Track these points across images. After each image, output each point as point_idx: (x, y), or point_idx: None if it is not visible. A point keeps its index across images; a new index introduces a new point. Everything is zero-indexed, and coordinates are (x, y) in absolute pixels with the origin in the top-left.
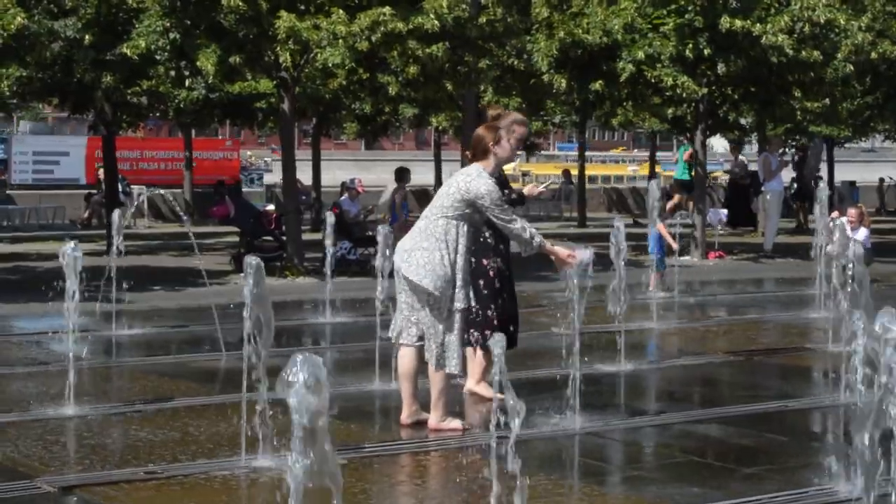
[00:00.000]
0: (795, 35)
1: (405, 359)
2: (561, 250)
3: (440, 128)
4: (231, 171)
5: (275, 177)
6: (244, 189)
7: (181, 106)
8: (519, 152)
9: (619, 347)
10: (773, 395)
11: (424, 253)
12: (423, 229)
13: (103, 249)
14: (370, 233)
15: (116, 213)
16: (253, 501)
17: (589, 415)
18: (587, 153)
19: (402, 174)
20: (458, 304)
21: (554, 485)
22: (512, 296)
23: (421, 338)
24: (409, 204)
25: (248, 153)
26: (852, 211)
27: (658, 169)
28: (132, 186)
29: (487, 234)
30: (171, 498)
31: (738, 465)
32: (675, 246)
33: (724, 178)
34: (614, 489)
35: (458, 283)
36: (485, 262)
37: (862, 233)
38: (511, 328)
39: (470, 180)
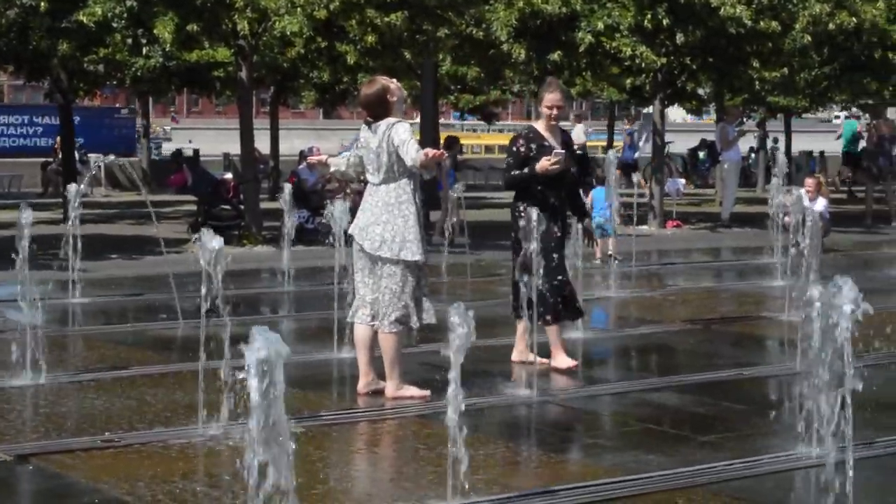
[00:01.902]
0: (753, 5)
1: (359, 331)
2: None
3: None
4: (126, 141)
5: (174, 146)
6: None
7: (138, 74)
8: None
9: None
10: (729, 363)
11: (387, 227)
12: (374, 204)
13: (60, 218)
14: (328, 201)
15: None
16: (210, 469)
17: (546, 383)
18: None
19: (451, 143)
20: (417, 258)
21: (511, 452)
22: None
23: (374, 317)
24: (455, 173)
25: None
26: (809, 181)
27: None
28: (89, 155)
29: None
30: (128, 466)
31: (694, 433)
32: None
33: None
34: (571, 457)
35: (412, 237)
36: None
37: (820, 203)
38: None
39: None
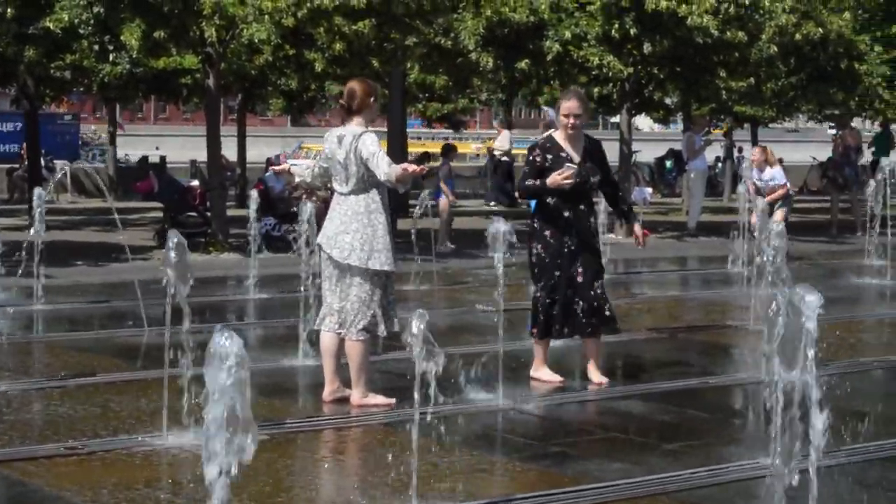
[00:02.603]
0: (720, 16)
1: (326, 339)
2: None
3: None
4: (69, 148)
5: (118, 153)
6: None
7: (105, 81)
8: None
9: None
10: (694, 371)
11: (356, 235)
12: (342, 213)
13: (26, 224)
14: (295, 209)
15: (38, 190)
16: (174, 477)
17: (512, 391)
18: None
19: (448, 150)
20: (385, 268)
21: (476, 461)
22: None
23: (341, 325)
24: (454, 181)
25: (93, 128)
26: (755, 150)
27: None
28: (55, 161)
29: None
30: (91, 473)
31: (659, 441)
32: None
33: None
34: (536, 465)
35: (381, 246)
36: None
37: (770, 172)
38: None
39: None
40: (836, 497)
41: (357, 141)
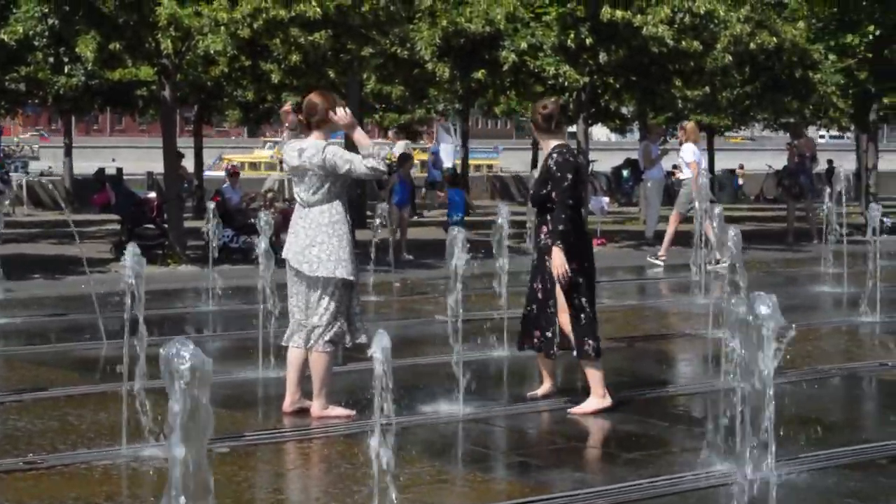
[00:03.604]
0: (676, 25)
1: (293, 354)
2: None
3: None
4: None
5: (42, 164)
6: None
7: (60, 93)
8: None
9: (503, 334)
10: (653, 380)
11: (323, 247)
12: (307, 226)
13: None
14: (252, 220)
15: None
16: (134, 490)
17: (472, 401)
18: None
19: (404, 160)
20: (351, 277)
21: (437, 472)
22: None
23: (308, 341)
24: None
25: (16, 139)
26: (685, 123)
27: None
28: (11, 174)
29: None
30: (51, 488)
31: (619, 451)
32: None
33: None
34: (497, 475)
35: (346, 255)
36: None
37: (683, 148)
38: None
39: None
40: None
41: (324, 153)
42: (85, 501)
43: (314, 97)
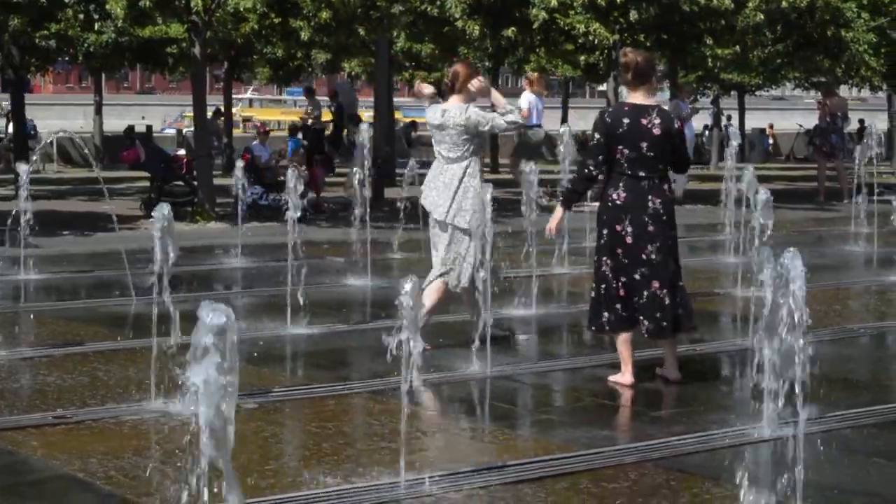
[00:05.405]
0: None
1: (436, 284)
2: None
3: (353, 73)
4: None
5: (73, 123)
6: None
7: (90, 50)
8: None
9: (533, 291)
10: (681, 338)
11: (456, 197)
12: (448, 181)
13: (12, 194)
14: (282, 178)
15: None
16: (163, 445)
17: (499, 358)
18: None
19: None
20: (465, 225)
21: (463, 428)
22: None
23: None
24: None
25: None
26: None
27: (399, 115)
28: (40, 131)
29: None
30: (80, 442)
31: (646, 409)
32: None
33: None
34: (524, 432)
35: (468, 206)
36: (618, 227)
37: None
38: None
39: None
40: (822, 463)
41: (467, 112)
42: (113, 456)
43: (458, 67)
